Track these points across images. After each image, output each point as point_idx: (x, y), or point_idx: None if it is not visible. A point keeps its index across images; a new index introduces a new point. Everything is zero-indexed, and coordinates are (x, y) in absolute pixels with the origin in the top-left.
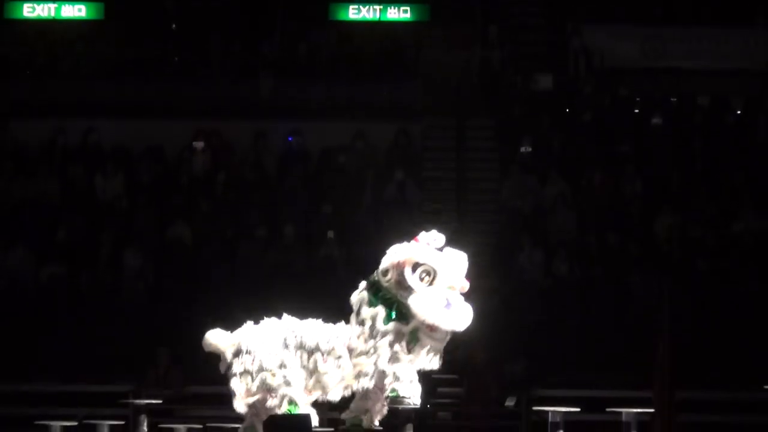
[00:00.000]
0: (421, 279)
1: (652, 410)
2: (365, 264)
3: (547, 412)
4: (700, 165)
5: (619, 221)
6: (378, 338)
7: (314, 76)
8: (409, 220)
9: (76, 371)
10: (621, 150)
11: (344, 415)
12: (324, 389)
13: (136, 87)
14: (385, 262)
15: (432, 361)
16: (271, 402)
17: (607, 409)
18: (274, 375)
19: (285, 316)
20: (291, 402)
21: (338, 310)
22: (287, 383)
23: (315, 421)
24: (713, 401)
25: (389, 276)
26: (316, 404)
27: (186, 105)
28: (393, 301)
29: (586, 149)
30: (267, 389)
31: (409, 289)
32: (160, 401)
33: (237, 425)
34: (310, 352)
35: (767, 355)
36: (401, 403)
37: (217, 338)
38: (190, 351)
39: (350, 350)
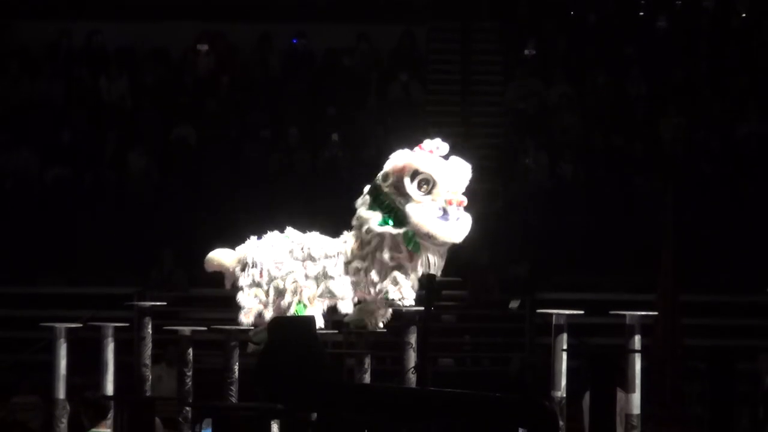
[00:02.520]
0: (420, 187)
1: (655, 313)
2: (369, 166)
3: (551, 314)
4: (705, 67)
5: (624, 123)
6: (374, 243)
7: None
8: (413, 122)
9: (80, 273)
10: (625, 52)
11: (347, 318)
12: (333, 297)
13: None
14: (387, 166)
15: (435, 266)
16: (283, 302)
17: (611, 312)
18: (284, 279)
19: (289, 229)
20: (300, 302)
21: (342, 211)
22: (296, 289)
23: (320, 323)
24: (717, 304)
25: (389, 181)
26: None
27: (190, 6)
28: (391, 207)
29: (591, 51)
30: (278, 294)
31: (406, 197)
32: (165, 303)
33: (241, 328)
34: (317, 262)
35: None
36: (393, 306)
37: (220, 255)
38: (194, 253)
39: (351, 255)
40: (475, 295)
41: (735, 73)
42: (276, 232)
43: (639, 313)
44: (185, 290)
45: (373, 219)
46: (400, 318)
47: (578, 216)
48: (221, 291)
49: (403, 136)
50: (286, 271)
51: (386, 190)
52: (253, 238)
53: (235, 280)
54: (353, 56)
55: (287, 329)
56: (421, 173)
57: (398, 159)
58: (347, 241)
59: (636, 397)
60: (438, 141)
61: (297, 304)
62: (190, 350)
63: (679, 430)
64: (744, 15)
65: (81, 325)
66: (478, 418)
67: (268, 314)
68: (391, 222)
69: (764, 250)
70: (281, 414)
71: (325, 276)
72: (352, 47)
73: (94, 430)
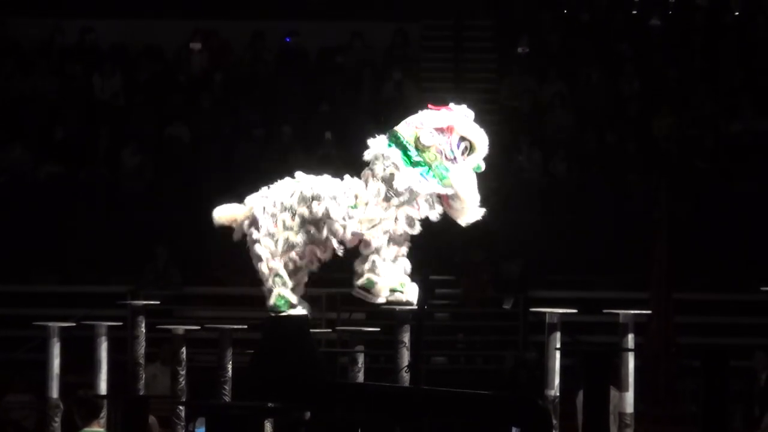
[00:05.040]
0: (462, 152)
1: (649, 311)
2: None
3: (544, 313)
4: (698, 64)
5: (617, 120)
6: (397, 199)
7: None
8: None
9: (73, 271)
10: (619, 50)
11: (358, 280)
12: (335, 236)
13: None
14: (427, 121)
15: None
16: (266, 295)
17: (604, 311)
18: (296, 233)
19: (299, 173)
20: (281, 297)
21: None
22: (311, 239)
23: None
24: (710, 302)
25: (430, 140)
26: (312, 300)
27: (184, 4)
28: (425, 164)
29: (584, 49)
30: (290, 247)
31: (452, 160)
32: (158, 302)
33: (235, 326)
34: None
35: (764, 256)
36: (399, 302)
37: (229, 210)
38: (188, 250)
39: (364, 204)
40: (469, 293)
41: (728, 71)
42: (286, 178)
43: (632, 311)
44: (179, 288)
45: (411, 175)
46: (394, 317)
47: (572, 214)
48: (215, 289)
49: None
50: (298, 221)
51: (428, 145)
52: (264, 188)
53: (244, 234)
54: (346, 54)
55: (280, 328)
56: (466, 139)
57: (443, 119)
58: (358, 192)
59: (629, 396)
60: (465, 107)
61: (278, 298)
62: (184, 349)
63: (673, 429)
64: (737, 13)
65: (74, 323)
66: (472, 417)
67: (276, 264)
68: (432, 175)
69: (758, 247)
70: (275, 413)
71: (328, 216)
72: (346, 45)
73: (86, 429)
